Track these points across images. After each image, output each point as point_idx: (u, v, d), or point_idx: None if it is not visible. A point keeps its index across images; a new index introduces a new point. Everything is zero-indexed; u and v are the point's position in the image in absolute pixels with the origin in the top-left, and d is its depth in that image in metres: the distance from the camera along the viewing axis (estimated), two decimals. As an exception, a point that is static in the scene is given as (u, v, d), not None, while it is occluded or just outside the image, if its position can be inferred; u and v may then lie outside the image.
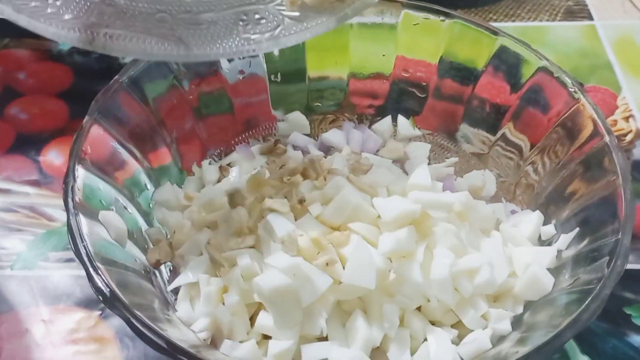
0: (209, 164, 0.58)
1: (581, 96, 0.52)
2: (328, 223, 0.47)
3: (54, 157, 0.65)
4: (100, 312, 0.54)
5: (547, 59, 0.54)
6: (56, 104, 0.70)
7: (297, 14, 0.37)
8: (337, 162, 0.54)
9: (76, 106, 0.68)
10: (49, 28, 0.38)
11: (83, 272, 0.43)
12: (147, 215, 0.52)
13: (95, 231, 0.45)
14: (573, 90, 0.52)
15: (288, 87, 0.62)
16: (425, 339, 0.46)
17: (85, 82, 0.71)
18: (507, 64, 0.57)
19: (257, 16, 0.40)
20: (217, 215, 0.50)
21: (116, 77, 0.52)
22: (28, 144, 0.66)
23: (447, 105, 0.61)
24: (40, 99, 0.70)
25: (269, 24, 0.40)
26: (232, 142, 0.61)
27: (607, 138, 0.49)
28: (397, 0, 0.59)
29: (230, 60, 0.59)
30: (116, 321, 0.53)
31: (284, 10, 0.39)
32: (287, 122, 0.62)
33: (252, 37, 0.39)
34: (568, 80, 0.53)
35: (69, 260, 0.57)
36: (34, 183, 0.63)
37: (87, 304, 0.55)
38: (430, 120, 0.62)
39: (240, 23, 0.39)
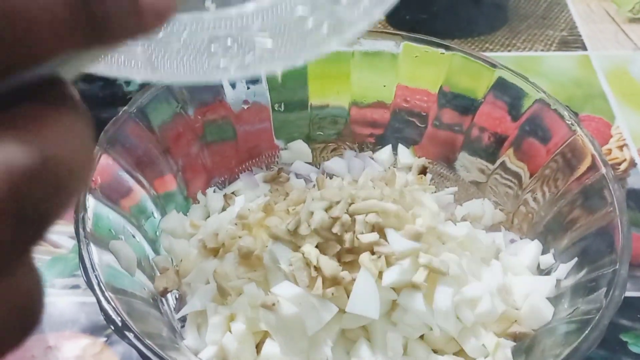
0: (214, 191, 0.59)
1: (578, 128, 0.53)
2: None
3: (59, 183, 0.66)
4: (105, 339, 0.55)
5: (544, 92, 0.56)
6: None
7: (269, 42, 0.38)
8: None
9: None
10: None
11: (88, 299, 0.43)
12: (153, 243, 0.53)
13: (106, 260, 0.45)
14: (570, 122, 0.54)
15: (290, 116, 0.63)
16: (428, 367, 0.47)
17: (89, 109, 0.72)
18: (505, 95, 0.58)
19: (228, 42, 0.41)
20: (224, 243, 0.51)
21: (125, 108, 0.53)
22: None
23: (446, 135, 0.62)
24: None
25: (240, 52, 0.40)
26: (236, 170, 0.62)
27: (603, 170, 0.50)
28: (398, 33, 0.61)
29: (233, 87, 0.60)
30: (121, 347, 0.54)
31: (258, 37, 0.40)
32: (289, 151, 0.63)
33: (220, 64, 0.40)
34: (565, 113, 0.54)
35: (75, 286, 0.58)
36: (40, 209, 0.63)
37: (92, 331, 0.55)
38: (429, 149, 0.63)
39: (212, 48, 0.40)
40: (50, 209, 0.18)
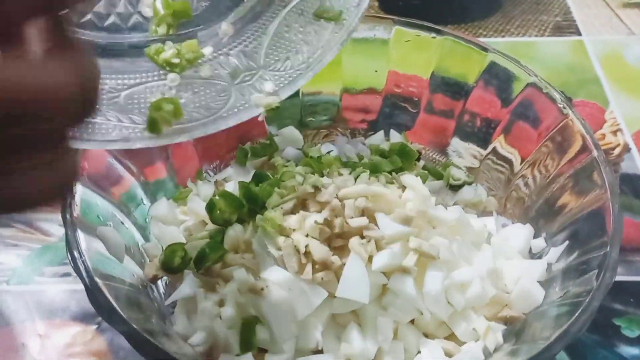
0: (205, 179, 0.59)
1: (570, 111, 0.53)
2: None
3: (49, 172, 0.66)
4: (96, 326, 0.54)
5: (536, 75, 0.55)
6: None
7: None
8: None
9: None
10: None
11: (79, 287, 0.43)
12: (143, 230, 0.53)
13: (93, 246, 0.45)
14: (562, 105, 0.53)
15: (282, 102, 0.63)
16: (419, 351, 0.47)
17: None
18: (497, 79, 0.58)
19: None
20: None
21: (113, 94, 0.52)
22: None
23: (438, 120, 0.62)
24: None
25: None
26: (227, 157, 0.62)
27: (595, 153, 0.50)
28: (388, 17, 0.60)
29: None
30: (112, 335, 0.53)
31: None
32: (280, 137, 0.63)
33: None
34: (557, 96, 0.54)
35: (65, 274, 0.58)
36: (30, 198, 0.63)
37: (82, 318, 0.55)
38: (422, 134, 0.63)
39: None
40: (95, 103, 0.27)
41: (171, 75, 0.42)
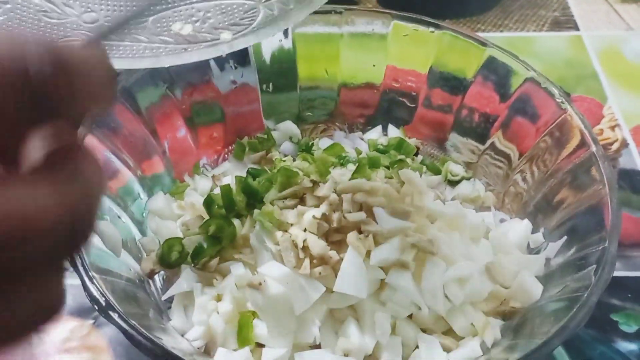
0: (202, 173, 0.59)
1: (568, 106, 0.53)
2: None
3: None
4: (93, 321, 0.54)
5: (534, 70, 0.55)
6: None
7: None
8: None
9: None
10: None
11: (75, 281, 0.43)
12: (140, 225, 0.53)
13: (90, 240, 0.45)
14: (560, 100, 0.53)
15: (279, 97, 0.63)
16: (417, 346, 0.47)
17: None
18: (495, 74, 0.58)
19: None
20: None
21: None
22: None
23: (436, 115, 0.62)
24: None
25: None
26: (225, 151, 0.61)
27: (593, 148, 0.50)
28: (387, 12, 0.60)
29: (221, 69, 0.59)
30: (109, 330, 0.53)
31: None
32: (278, 132, 0.62)
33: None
34: (555, 91, 0.54)
35: (62, 269, 0.57)
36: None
37: (80, 313, 0.55)
38: (420, 129, 0.63)
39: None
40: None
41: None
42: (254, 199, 0.49)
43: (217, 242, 0.48)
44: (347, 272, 0.45)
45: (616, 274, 0.44)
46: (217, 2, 0.43)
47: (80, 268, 0.42)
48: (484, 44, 0.57)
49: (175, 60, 0.41)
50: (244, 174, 0.57)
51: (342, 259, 0.45)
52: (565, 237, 0.49)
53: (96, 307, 0.41)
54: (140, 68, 0.45)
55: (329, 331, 0.46)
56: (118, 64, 0.40)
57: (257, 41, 0.43)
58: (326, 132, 0.64)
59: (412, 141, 0.61)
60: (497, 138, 0.58)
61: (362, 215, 0.46)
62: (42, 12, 0.40)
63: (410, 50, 0.61)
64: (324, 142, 0.62)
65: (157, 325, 0.44)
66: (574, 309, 0.42)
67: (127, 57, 0.40)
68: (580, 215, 0.49)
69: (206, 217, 0.51)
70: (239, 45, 0.42)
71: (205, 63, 0.58)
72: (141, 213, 0.53)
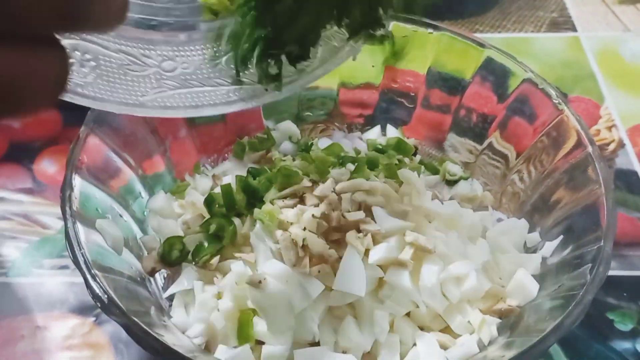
0: (203, 172, 0.59)
1: (565, 107, 0.53)
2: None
3: (47, 165, 0.66)
4: (94, 319, 0.55)
5: (532, 71, 0.56)
6: (49, 112, 0.70)
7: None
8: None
9: (69, 114, 0.69)
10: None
11: (77, 279, 0.44)
12: (141, 223, 0.53)
13: (92, 239, 0.45)
14: (557, 101, 0.54)
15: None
16: (415, 344, 0.47)
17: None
18: (493, 75, 0.58)
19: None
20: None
21: (112, 87, 0.53)
22: (21, 152, 0.67)
23: (435, 115, 0.62)
24: (33, 107, 0.71)
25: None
26: (225, 150, 0.62)
27: (589, 148, 0.50)
28: (386, 13, 0.61)
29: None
30: (110, 327, 0.54)
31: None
32: (278, 131, 0.63)
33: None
34: (552, 92, 0.54)
35: (63, 267, 0.58)
36: (28, 191, 0.64)
37: (81, 311, 0.55)
38: (418, 129, 0.63)
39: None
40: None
41: None
42: (254, 198, 0.50)
43: (217, 240, 0.48)
44: (346, 271, 0.45)
45: (612, 273, 0.45)
46: None
47: (83, 266, 0.43)
48: (482, 45, 0.58)
49: (262, 100, 0.42)
50: (244, 174, 0.58)
51: (341, 258, 0.46)
52: (561, 237, 0.50)
53: (98, 305, 0.42)
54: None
55: (328, 329, 0.47)
56: (205, 111, 0.42)
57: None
58: (325, 132, 0.65)
59: (411, 141, 0.62)
60: (494, 138, 0.59)
61: (361, 214, 0.47)
62: (125, 66, 0.41)
63: (409, 50, 0.61)
64: (323, 142, 0.62)
65: (159, 322, 0.45)
66: (570, 307, 0.42)
67: (212, 104, 0.41)
68: (576, 215, 0.49)
69: (207, 215, 0.51)
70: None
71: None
72: (142, 212, 0.54)
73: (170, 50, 0.42)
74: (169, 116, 0.43)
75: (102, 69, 0.40)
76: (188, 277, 0.49)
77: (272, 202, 0.48)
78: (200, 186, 0.57)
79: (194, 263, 0.49)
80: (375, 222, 0.47)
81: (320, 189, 0.48)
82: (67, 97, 0.39)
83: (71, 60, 0.39)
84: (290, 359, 0.46)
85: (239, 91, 0.42)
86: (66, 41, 0.39)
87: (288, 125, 0.63)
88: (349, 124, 0.65)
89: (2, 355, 0.53)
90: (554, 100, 0.54)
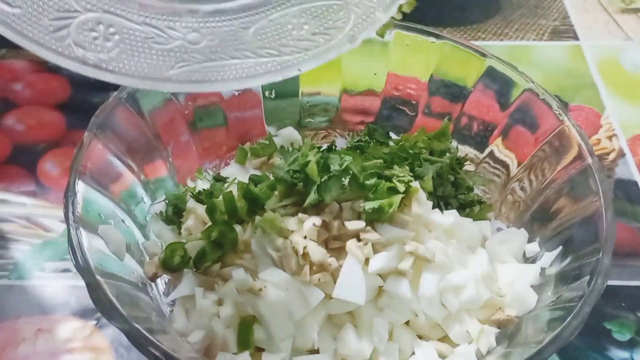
0: (205, 177, 0.59)
1: (565, 118, 0.53)
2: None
3: (50, 168, 0.66)
4: (95, 322, 0.55)
5: (533, 81, 0.56)
6: (52, 115, 0.71)
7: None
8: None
9: (72, 117, 0.69)
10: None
11: (79, 283, 0.44)
12: (143, 228, 0.54)
13: (95, 244, 0.46)
14: (558, 112, 0.54)
15: (281, 103, 0.64)
16: (413, 353, 0.48)
17: (81, 93, 0.72)
18: (495, 84, 0.58)
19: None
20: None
21: (116, 93, 0.53)
22: (24, 155, 0.67)
23: (436, 123, 0.62)
24: (37, 110, 0.71)
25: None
26: (227, 156, 0.62)
27: (590, 160, 0.50)
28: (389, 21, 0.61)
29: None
30: (111, 331, 0.54)
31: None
32: (280, 138, 0.63)
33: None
34: (553, 102, 0.55)
35: (65, 270, 0.58)
36: (31, 194, 0.64)
37: (82, 314, 0.56)
38: (419, 137, 0.63)
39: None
40: None
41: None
42: (255, 205, 0.50)
43: (219, 247, 0.49)
44: (346, 279, 0.46)
45: (611, 282, 0.45)
46: (305, 5, 0.43)
47: (86, 272, 0.43)
48: (483, 54, 0.58)
49: (290, 72, 0.41)
50: (246, 179, 0.58)
51: (341, 266, 0.46)
52: (560, 247, 0.50)
53: (101, 310, 0.42)
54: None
55: (327, 336, 0.47)
56: (232, 85, 0.41)
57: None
58: (327, 138, 0.65)
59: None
60: (496, 146, 0.59)
61: (361, 223, 0.47)
62: (150, 39, 0.40)
63: (411, 58, 0.62)
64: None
65: (159, 328, 0.45)
66: (568, 319, 0.43)
67: (239, 77, 0.41)
68: (575, 226, 0.50)
69: (208, 222, 0.51)
70: (341, 48, 0.42)
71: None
72: (144, 217, 0.54)
73: (195, 22, 0.42)
74: (195, 91, 0.42)
75: (126, 43, 0.40)
76: (189, 284, 0.49)
77: (273, 210, 0.48)
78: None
79: (195, 269, 0.49)
80: (376, 232, 0.47)
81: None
82: (91, 73, 0.39)
83: (95, 34, 0.39)
84: (289, 366, 0.46)
85: (266, 64, 0.42)
86: (90, 14, 0.39)
87: (290, 132, 0.63)
88: (351, 131, 0.65)
89: (3, 357, 0.53)
90: (555, 111, 0.54)
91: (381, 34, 0.46)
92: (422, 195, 0.51)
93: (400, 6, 0.44)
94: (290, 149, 0.59)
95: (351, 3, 0.43)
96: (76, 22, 0.39)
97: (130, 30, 0.40)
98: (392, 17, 0.44)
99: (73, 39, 0.38)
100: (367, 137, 0.62)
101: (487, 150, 0.60)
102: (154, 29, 0.41)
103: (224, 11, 0.42)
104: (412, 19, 0.61)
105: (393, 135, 0.64)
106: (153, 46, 0.40)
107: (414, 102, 0.63)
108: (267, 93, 0.62)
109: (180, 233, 0.54)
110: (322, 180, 0.47)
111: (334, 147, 0.58)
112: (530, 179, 0.56)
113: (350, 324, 0.47)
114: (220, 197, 0.50)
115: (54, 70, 0.74)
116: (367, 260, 0.47)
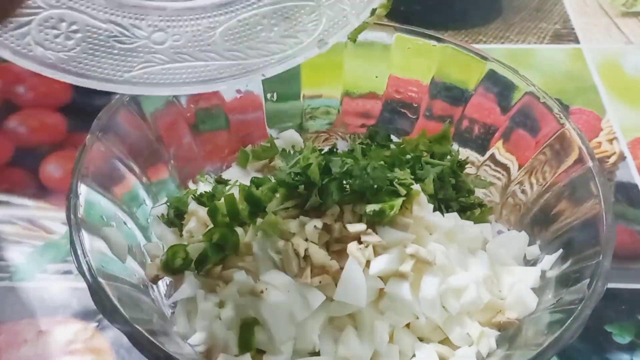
0: (206, 179, 0.60)
1: (566, 121, 0.54)
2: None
3: (52, 170, 0.66)
4: (96, 324, 0.55)
5: (534, 85, 0.56)
6: (54, 117, 0.71)
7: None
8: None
9: (75, 120, 0.70)
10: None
11: (80, 284, 0.44)
12: (145, 230, 0.54)
13: (97, 247, 0.46)
14: (559, 115, 0.54)
15: (283, 105, 0.64)
16: (414, 355, 0.48)
17: (84, 96, 0.72)
18: (496, 87, 0.59)
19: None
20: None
21: (118, 96, 0.53)
22: (27, 157, 0.67)
23: (437, 126, 0.63)
24: (39, 112, 0.72)
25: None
26: (229, 158, 0.62)
27: (590, 163, 0.51)
28: (390, 25, 0.61)
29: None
30: (112, 333, 0.54)
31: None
32: (281, 140, 0.63)
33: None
34: (554, 106, 0.55)
35: (67, 272, 0.59)
36: (33, 196, 0.64)
37: (84, 316, 0.56)
38: (420, 140, 0.63)
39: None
40: None
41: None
42: (257, 208, 0.50)
43: (220, 249, 0.49)
44: (347, 281, 0.46)
45: (611, 285, 0.45)
46: (277, 6, 0.42)
47: (87, 274, 0.43)
48: (484, 57, 0.58)
49: (253, 77, 0.41)
50: (248, 182, 0.58)
51: (342, 269, 0.46)
52: (561, 250, 0.50)
53: (102, 312, 0.42)
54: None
55: (328, 339, 0.47)
56: (193, 89, 0.41)
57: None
58: (328, 141, 0.65)
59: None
60: (496, 149, 0.59)
61: (362, 226, 0.48)
62: (113, 38, 0.40)
63: (412, 61, 0.62)
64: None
65: (161, 330, 0.45)
66: (568, 321, 0.43)
67: (201, 81, 0.40)
68: (576, 229, 0.50)
69: (210, 224, 0.52)
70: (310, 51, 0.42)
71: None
72: (146, 219, 0.54)
73: (161, 20, 0.41)
74: (154, 94, 0.41)
75: (88, 42, 0.39)
76: (190, 286, 0.49)
77: (274, 213, 0.49)
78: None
79: (196, 272, 0.49)
80: (377, 234, 0.48)
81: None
82: (49, 73, 0.38)
83: (56, 32, 0.38)
84: (290, 368, 0.46)
85: (230, 67, 0.41)
86: (53, 11, 0.38)
87: (291, 134, 0.63)
88: (352, 133, 0.65)
89: (5, 359, 0.53)
90: (556, 114, 0.54)
91: (353, 38, 0.45)
92: (423, 198, 0.51)
93: (374, 10, 0.44)
94: (292, 151, 0.59)
95: (324, 5, 0.43)
96: (38, 19, 0.38)
97: (93, 28, 0.40)
98: (365, 21, 0.44)
99: (33, 37, 0.38)
100: (368, 140, 0.62)
101: (488, 153, 0.60)
102: (118, 27, 0.40)
103: (193, 9, 0.42)
104: (414, 23, 0.62)
105: (394, 138, 0.64)
106: (115, 45, 0.40)
107: (415, 105, 0.63)
108: (268, 96, 0.62)
109: (181, 235, 0.54)
110: (324, 182, 0.48)
111: (335, 150, 0.58)
112: (531, 182, 0.56)
113: (351, 326, 0.47)
114: (222, 200, 0.50)
115: (56, 72, 0.74)
116: (368, 263, 0.47)
